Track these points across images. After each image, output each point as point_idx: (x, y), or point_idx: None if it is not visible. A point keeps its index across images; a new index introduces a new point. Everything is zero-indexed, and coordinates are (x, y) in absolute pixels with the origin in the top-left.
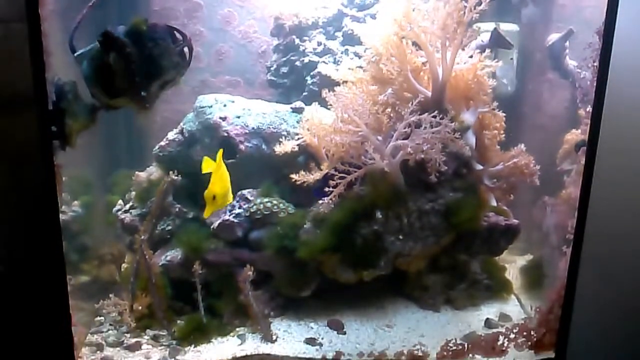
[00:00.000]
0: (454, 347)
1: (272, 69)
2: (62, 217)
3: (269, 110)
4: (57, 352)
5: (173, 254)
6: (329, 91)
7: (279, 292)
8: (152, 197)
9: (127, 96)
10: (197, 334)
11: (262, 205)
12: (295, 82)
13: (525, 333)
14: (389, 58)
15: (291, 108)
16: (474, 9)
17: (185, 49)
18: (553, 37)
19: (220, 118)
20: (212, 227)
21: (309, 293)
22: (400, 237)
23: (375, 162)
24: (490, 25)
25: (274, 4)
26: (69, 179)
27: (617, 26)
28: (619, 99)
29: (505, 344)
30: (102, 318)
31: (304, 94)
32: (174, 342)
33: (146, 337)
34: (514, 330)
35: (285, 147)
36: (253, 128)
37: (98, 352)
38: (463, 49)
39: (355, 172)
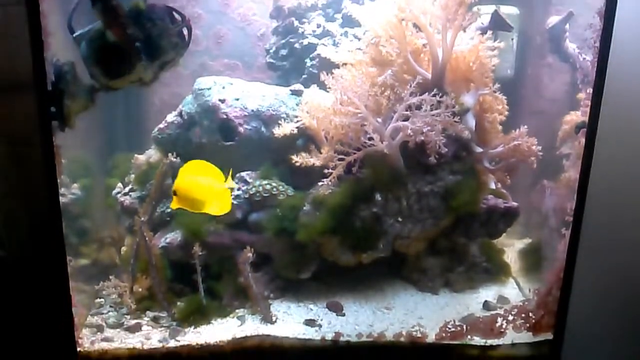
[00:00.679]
0: (453, 329)
1: (271, 51)
2: (61, 199)
3: (268, 92)
4: (57, 333)
5: (173, 236)
6: (328, 73)
7: (279, 274)
8: (152, 180)
9: (126, 77)
10: (197, 316)
11: (261, 188)
12: (295, 65)
13: (523, 315)
14: (388, 40)
15: (290, 90)
16: None
17: (184, 30)
18: (553, 19)
19: (219, 100)
20: None
21: (308, 275)
22: (400, 219)
23: (375, 143)
24: (490, 8)
25: None
26: (68, 162)
27: (618, 6)
28: (619, 81)
29: (504, 326)
30: (102, 300)
31: (303, 76)
32: (174, 323)
33: (146, 318)
34: (512, 312)
35: (285, 129)
36: (252, 110)
37: (98, 333)
38: (464, 31)
39: (355, 154)
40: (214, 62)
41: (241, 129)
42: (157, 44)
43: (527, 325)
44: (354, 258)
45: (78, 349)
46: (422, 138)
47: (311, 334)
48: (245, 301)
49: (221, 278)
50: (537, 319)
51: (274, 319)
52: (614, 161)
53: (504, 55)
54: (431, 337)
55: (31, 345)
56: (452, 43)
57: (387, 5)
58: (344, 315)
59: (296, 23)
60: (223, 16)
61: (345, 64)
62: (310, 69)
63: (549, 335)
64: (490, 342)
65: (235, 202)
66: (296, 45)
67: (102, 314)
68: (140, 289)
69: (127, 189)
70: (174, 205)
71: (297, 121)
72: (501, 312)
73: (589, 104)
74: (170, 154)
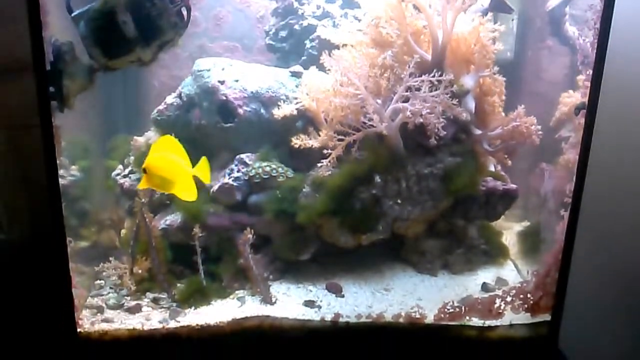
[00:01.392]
0: (451, 310)
1: (270, 33)
2: (61, 181)
3: (268, 74)
4: (58, 314)
5: (173, 218)
6: (328, 54)
7: (278, 256)
8: None
9: (125, 57)
10: (197, 297)
11: (260, 170)
12: (294, 46)
13: (521, 296)
14: (388, 21)
15: (290, 72)
16: None
17: (183, 10)
18: (553, 2)
19: (219, 82)
20: (211, 191)
21: (308, 257)
22: (399, 201)
23: (375, 124)
24: None
25: None
26: (67, 144)
27: None
28: (619, 62)
29: (502, 307)
30: (103, 282)
31: (303, 58)
32: (174, 304)
33: (146, 300)
34: (511, 294)
35: (284, 110)
36: (252, 92)
37: (98, 314)
38: (464, 13)
39: (354, 134)
40: (213, 44)
41: (240, 111)
42: (155, 24)
43: (525, 306)
44: (353, 240)
45: (78, 330)
46: (422, 120)
47: (311, 314)
48: (245, 282)
49: (221, 260)
50: (535, 300)
51: (273, 300)
52: (613, 142)
53: (504, 38)
54: (430, 318)
55: (32, 326)
56: (452, 25)
57: None
58: (343, 296)
59: (296, 4)
60: None
61: (345, 45)
62: (310, 50)
63: (547, 317)
64: (488, 323)
65: (235, 184)
66: (296, 26)
67: (102, 295)
68: (140, 271)
69: (126, 171)
70: (143, 185)
71: (297, 103)
72: (499, 293)
73: (589, 85)
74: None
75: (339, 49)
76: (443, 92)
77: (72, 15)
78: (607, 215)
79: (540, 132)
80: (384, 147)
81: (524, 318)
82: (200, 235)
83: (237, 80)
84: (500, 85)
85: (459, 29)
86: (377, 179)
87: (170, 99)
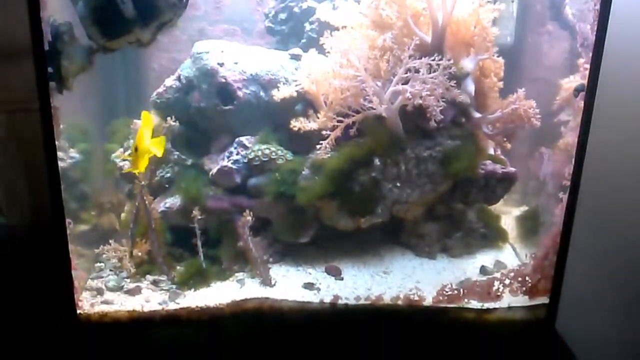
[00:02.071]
0: (450, 292)
1: (270, 15)
2: (60, 164)
3: (268, 56)
4: (58, 296)
5: (172, 201)
6: (328, 35)
7: (278, 239)
8: None
9: (124, 37)
10: (197, 279)
11: (260, 152)
12: (294, 29)
13: (520, 279)
14: (388, 3)
15: (289, 55)
16: None
17: None
18: None
19: (218, 64)
20: (210, 173)
21: (307, 239)
22: (398, 184)
23: (374, 106)
24: None
25: None
26: (66, 127)
27: None
28: (619, 44)
29: (500, 290)
30: (102, 264)
31: (303, 40)
32: (174, 286)
33: (146, 282)
34: (509, 276)
35: (284, 92)
36: (251, 74)
37: (98, 296)
38: None
39: (353, 116)
40: (212, 27)
41: (240, 93)
42: (154, 4)
43: (524, 289)
44: (352, 222)
45: (78, 311)
46: (421, 102)
47: (310, 297)
48: (245, 265)
49: (220, 242)
50: (533, 283)
51: (273, 282)
52: (612, 124)
53: (504, 22)
54: (428, 301)
55: (32, 307)
56: (452, 7)
57: None
58: (342, 279)
59: None
60: None
61: (345, 26)
62: (310, 33)
63: (545, 299)
64: (486, 305)
65: (234, 167)
66: (295, 9)
67: (102, 277)
68: (139, 253)
69: (126, 154)
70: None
71: (297, 85)
72: (498, 276)
73: (589, 67)
74: (169, 118)
75: (338, 31)
76: (442, 74)
77: None
78: (605, 198)
79: (539, 116)
80: (384, 130)
81: (522, 301)
82: (200, 217)
83: (236, 63)
84: (500, 67)
85: (458, 11)
86: (377, 161)
87: (170, 81)
